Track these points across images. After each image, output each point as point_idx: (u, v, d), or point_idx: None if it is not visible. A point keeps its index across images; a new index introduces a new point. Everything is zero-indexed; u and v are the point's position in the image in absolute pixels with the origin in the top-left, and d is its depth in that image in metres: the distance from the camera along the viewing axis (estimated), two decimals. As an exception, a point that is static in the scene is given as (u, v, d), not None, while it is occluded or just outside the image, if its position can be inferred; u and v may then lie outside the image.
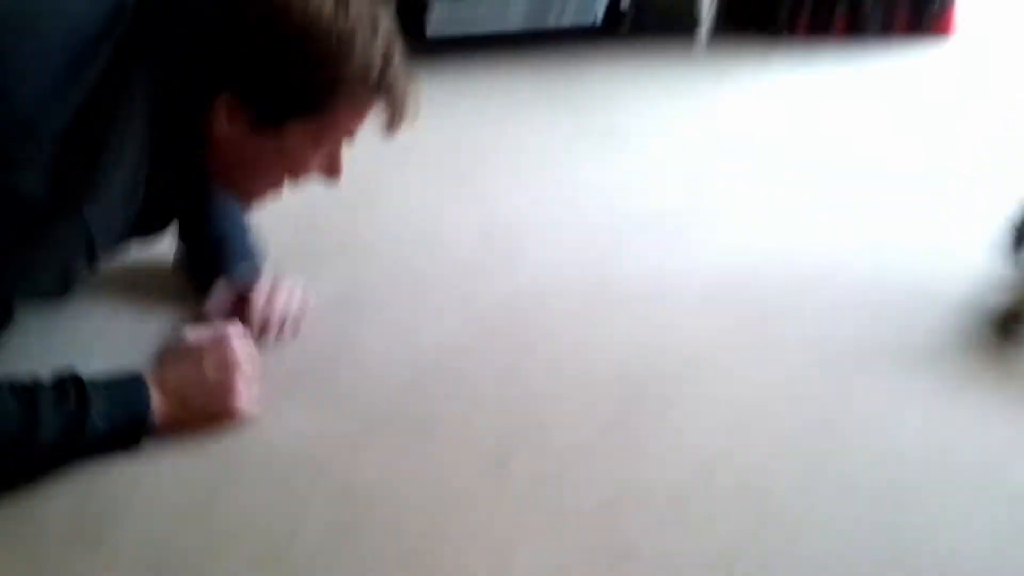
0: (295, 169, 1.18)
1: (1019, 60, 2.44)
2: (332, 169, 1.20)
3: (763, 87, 2.34)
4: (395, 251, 1.60)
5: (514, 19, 2.65)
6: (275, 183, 1.20)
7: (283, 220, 1.54)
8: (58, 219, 0.98)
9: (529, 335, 1.36)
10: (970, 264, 1.48)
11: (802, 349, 1.31)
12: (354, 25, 1.09)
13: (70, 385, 1.04)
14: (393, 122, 1.15)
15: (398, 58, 1.14)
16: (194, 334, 1.21)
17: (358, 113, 1.15)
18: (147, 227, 1.22)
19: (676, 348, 1.32)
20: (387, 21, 1.13)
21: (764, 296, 1.44)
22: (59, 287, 1.06)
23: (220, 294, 1.33)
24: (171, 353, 1.21)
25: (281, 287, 1.34)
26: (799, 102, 2.24)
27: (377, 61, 1.11)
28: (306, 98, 1.10)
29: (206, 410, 1.13)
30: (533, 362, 1.29)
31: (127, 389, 1.09)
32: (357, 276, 1.50)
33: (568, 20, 2.67)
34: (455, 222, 1.71)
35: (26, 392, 1.02)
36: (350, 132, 1.18)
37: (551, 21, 2.66)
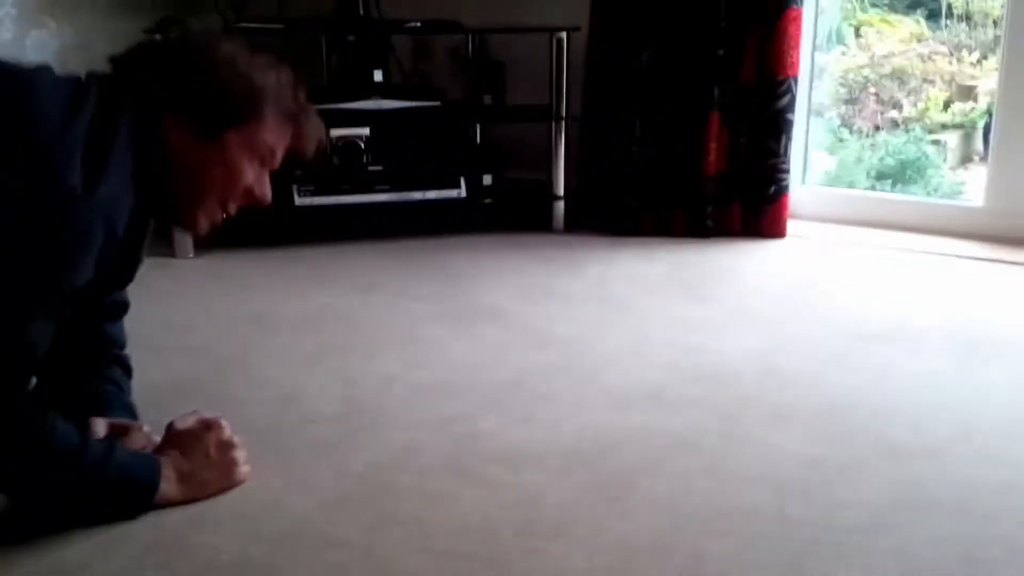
0: (233, 182, 1.39)
1: (844, 260, 2.67)
2: (261, 190, 1.43)
3: (612, 274, 2.49)
4: (260, 419, 1.62)
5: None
6: (217, 202, 1.40)
7: (155, 386, 1.57)
8: (89, 209, 1.18)
9: (392, 503, 1.38)
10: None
11: (661, 509, 1.36)
12: (270, 62, 1.42)
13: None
14: (306, 139, 1.45)
15: (304, 93, 1.45)
16: (184, 423, 1.40)
17: (280, 128, 1.41)
18: (128, 269, 1.43)
19: (539, 509, 1.36)
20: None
21: (621, 462, 1.50)
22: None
23: (97, 425, 1.39)
24: (174, 442, 1.38)
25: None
26: (645, 289, 2.38)
27: (291, 85, 1.43)
28: (238, 108, 1.36)
29: (215, 484, 1.37)
30: (397, 531, 1.31)
31: (147, 460, 1.34)
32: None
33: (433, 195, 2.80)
34: (319, 391, 1.75)
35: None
36: (273, 148, 1.42)
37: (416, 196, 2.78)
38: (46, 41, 2.68)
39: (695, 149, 2.80)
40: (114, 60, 1.37)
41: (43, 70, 1.28)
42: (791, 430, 1.62)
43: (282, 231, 2.76)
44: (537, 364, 1.89)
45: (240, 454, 1.41)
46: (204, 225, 1.41)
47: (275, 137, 1.41)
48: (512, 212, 2.97)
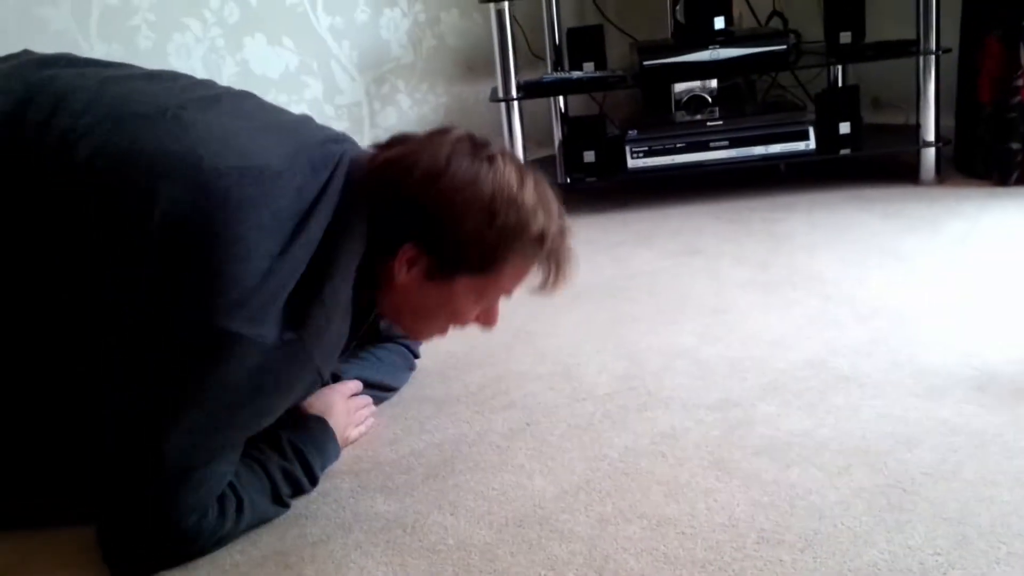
0: (455, 318, 1.35)
1: None
2: (488, 320, 1.37)
3: (977, 232, 2.16)
4: (532, 397, 1.58)
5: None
6: (438, 328, 1.37)
7: (451, 355, 1.69)
8: (293, 362, 1.13)
9: (635, 496, 1.28)
10: None
11: (946, 525, 1.14)
12: (534, 201, 1.26)
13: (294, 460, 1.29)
14: (549, 286, 1.32)
15: (567, 234, 1.32)
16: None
17: (520, 276, 1.32)
18: None
19: (795, 514, 1.19)
20: (557, 201, 1.31)
21: (913, 464, 1.27)
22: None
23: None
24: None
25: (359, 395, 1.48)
26: (1016, 249, 2.03)
27: (550, 235, 1.28)
28: (480, 258, 1.26)
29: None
30: (629, 528, 1.22)
31: (330, 444, 1.36)
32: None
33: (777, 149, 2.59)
34: (599, 367, 1.67)
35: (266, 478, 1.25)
36: (509, 292, 1.34)
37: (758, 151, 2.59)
38: (398, 21, 2.81)
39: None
40: (376, 158, 1.27)
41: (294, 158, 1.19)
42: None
43: (613, 194, 2.69)
44: (848, 340, 1.67)
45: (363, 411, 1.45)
46: (423, 339, 1.44)
47: (514, 282, 1.33)
48: (874, 163, 2.67)
